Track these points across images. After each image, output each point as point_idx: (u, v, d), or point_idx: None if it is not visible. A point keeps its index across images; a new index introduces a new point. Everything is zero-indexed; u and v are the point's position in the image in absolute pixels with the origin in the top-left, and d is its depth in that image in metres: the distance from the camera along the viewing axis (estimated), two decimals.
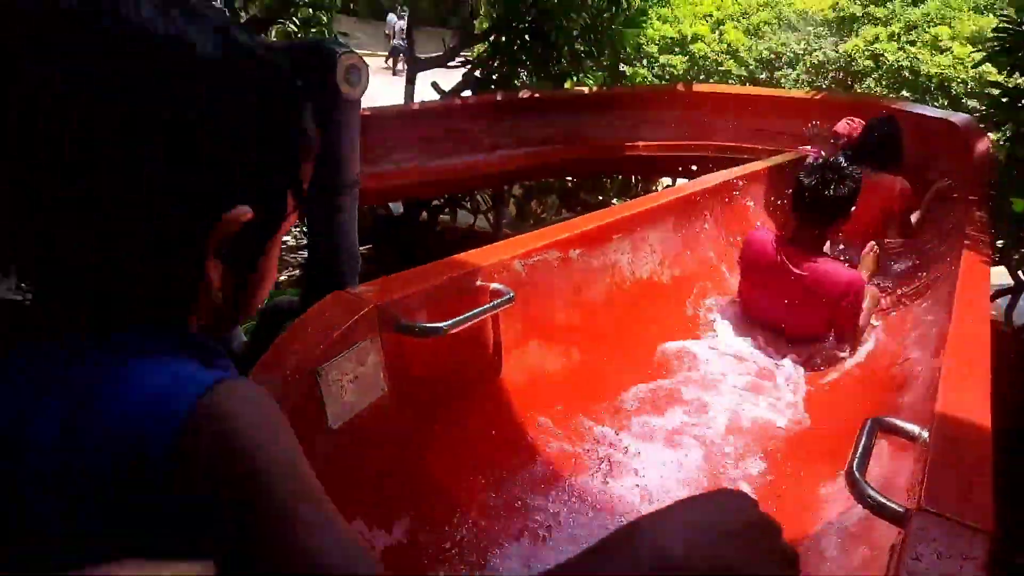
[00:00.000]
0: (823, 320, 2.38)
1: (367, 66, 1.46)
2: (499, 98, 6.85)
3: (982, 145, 3.92)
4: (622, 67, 11.94)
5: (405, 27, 15.32)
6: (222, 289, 0.56)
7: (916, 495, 0.96)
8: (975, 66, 9.33)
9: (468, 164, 6.30)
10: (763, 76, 11.98)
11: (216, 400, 0.47)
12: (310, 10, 7.72)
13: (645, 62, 12.54)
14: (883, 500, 0.96)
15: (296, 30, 8.05)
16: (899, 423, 1.17)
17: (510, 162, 6.31)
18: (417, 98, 8.05)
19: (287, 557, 0.45)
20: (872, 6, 11.37)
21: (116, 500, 0.45)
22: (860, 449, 1.09)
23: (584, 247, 1.98)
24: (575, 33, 7.73)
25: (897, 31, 11.04)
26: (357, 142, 1.48)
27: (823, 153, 4.47)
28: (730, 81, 11.74)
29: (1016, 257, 3.79)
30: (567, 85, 7.79)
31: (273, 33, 8.35)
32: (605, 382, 1.89)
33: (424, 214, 6.96)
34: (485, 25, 8.11)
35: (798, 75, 11.61)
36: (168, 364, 0.50)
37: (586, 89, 7.25)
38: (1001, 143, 4.27)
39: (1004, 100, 3.82)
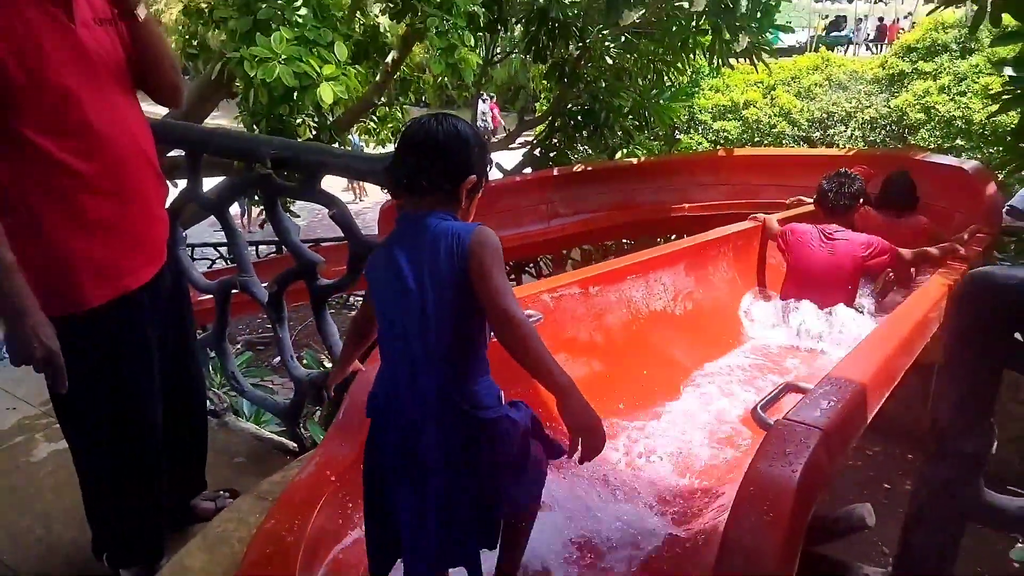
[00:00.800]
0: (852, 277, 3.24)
1: (374, 133, 2.15)
2: (556, 172, 7.59)
3: (990, 187, 4.31)
4: (677, 135, 12.63)
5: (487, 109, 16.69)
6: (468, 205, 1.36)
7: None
8: (989, 117, 9.52)
9: (530, 233, 7.00)
10: (816, 135, 12.38)
11: (481, 228, 1.27)
12: (386, 108, 8.75)
13: (700, 129, 13.23)
14: (765, 419, 1.47)
15: (376, 126, 9.12)
16: (803, 384, 1.67)
17: (568, 229, 6.95)
18: None
19: (501, 295, 1.22)
20: (920, 62, 11.71)
21: (459, 271, 1.23)
22: (768, 397, 1.61)
23: (603, 284, 2.56)
24: (625, 110, 8.45)
25: (947, 83, 11.32)
26: None
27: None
28: (784, 142, 12.17)
29: None
30: (618, 156, 8.48)
31: (356, 129, 9.43)
32: (620, 389, 2.41)
33: None
34: (544, 108, 8.94)
35: (851, 132, 11.97)
36: (459, 222, 1.31)
37: (635, 160, 7.91)
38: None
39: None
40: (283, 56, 4.48)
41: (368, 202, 15.36)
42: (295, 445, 2.58)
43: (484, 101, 15.72)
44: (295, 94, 4.79)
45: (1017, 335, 1.26)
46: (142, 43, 1.66)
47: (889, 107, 11.59)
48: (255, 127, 5.80)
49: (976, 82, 10.75)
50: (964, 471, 1.35)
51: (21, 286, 1.46)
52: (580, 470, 1.93)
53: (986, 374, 1.29)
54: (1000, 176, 5.14)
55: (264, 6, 4.89)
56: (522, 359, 1.23)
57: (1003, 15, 4.11)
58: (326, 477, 1.67)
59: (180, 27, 7.04)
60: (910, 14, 21.30)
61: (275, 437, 2.72)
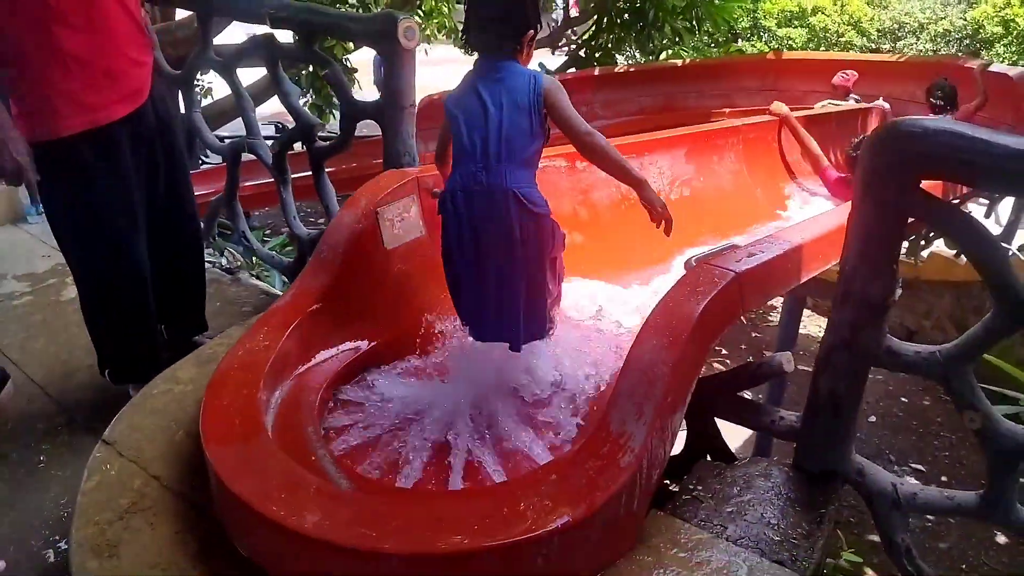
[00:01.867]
0: None
1: (418, 27, 2.19)
2: (596, 73, 7.44)
3: None
4: (739, 41, 12.06)
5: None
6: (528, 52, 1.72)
7: None
8: None
9: None
10: (886, 46, 11.67)
11: (548, 75, 1.76)
12: (433, 1, 8.60)
13: (763, 37, 12.61)
14: (691, 263, 1.56)
15: (421, 21, 8.99)
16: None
17: (607, 132, 6.80)
18: None
19: (576, 121, 1.68)
20: None
21: (533, 104, 1.63)
22: (708, 252, 1.70)
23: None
24: (677, 10, 8.10)
25: None
26: (412, 78, 2.21)
27: (887, 106, 4.87)
28: (850, 52, 11.53)
29: None
30: (663, 57, 8.21)
31: None
32: (603, 260, 2.51)
33: None
34: (590, 6, 8.65)
35: (922, 44, 11.25)
36: (529, 69, 1.70)
37: (679, 62, 7.66)
38: None
39: None
40: None
41: None
42: None
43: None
44: None
45: (961, 199, 1.30)
46: None
47: (965, 19, 10.79)
48: None
49: None
50: (867, 315, 1.43)
51: None
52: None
53: (890, 220, 1.34)
54: None
55: None
56: (602, 165, 1.76)
57: None
58: (299, 305, 1.83)
59: None
60: None
61: (280, 293, 2.92)
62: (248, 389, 1.54)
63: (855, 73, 5.58)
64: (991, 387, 1.92)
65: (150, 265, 2.11)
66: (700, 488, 1.52)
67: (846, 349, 1.46)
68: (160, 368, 2.10)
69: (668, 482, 1.66)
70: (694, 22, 8.24)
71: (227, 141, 2.86)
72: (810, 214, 3.50)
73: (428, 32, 9.02)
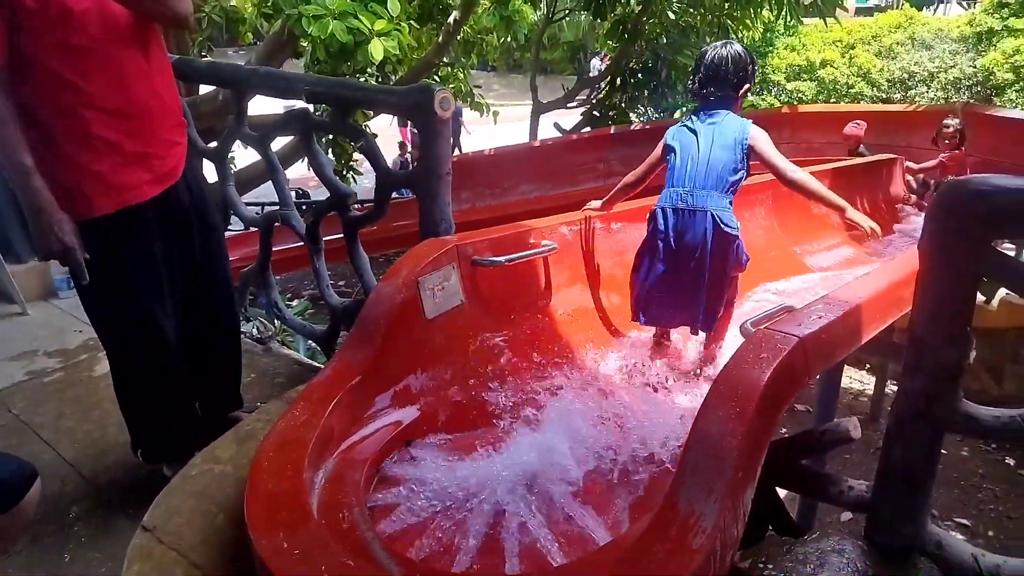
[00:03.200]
0: None
1: (454, 98, 2.21)
2: (613, 131, 7.53)
3: None
4: (748, 96, 12.25)
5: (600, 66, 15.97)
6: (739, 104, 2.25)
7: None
8: None
9: (585, 192, 7.00)
10: (897, 96, 11.78)
11: (754, 124, 2.19)
12: (448, 68, 8.81)
13: (773, 91, 12.77)
14: (750, 330, 1.50)
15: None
16: (797, 305, 1.68)
17: None
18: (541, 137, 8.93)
19: (780, 162, 2.21)
20: (1012, 18, 10.93)
21: (739, 145, 2.18)
22: (760, 315, 1.64)
23: (625, 220, 2.60)
24: (689, 69, 8.25)
25: None
26: (448, 145, 2.22)
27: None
28: (860, 102, 11.64)
29: None
30: (676, 115, 8.33)
31: None
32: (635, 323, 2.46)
33: None
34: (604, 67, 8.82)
35: (934, 93, 11.34)
36: (739, 116, 2.22)
37: None
38: None
39: None
40: (336, 11, 4.60)
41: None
42: None
43: (598, 57, 15.21)
44: (351, 51, 4.91)
45: (995, 243, 1.26)
46: None
47: (975, 67, 10.89)
48: None
49: None
50: (941, 382, 1.36)
51: (40, 187, 1.67)
52: (588, 388, 2.02)
53: (961, 282, 1.29)
54: None
55: None
56: (805, 195, 2.20)
57: None
58: (340, 380, 1.79)
59: None
60: None
61: (313, 362, 2.89)
62: (293, 471, 1.49)
63: (864, 123, 5.63)
64: None
65: (184, 342, 2.09)
66: (772, 568, 1.43)
67: (920, 418, 1.39)
68: (194, 446, 2.06)
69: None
70: None
71: (262, 212, 2.87)
72: (840, 267, 3.46)
73: None
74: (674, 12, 7.67)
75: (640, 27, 7.83)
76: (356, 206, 2.53)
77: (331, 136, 7.10)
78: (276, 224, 2.77)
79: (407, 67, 7.74)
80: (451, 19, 7.72)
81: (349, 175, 7.71)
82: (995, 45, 10.69)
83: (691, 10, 7.92)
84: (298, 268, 6.64)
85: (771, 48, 12.74)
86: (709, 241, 2.11)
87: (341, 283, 7.87)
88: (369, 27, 4.74)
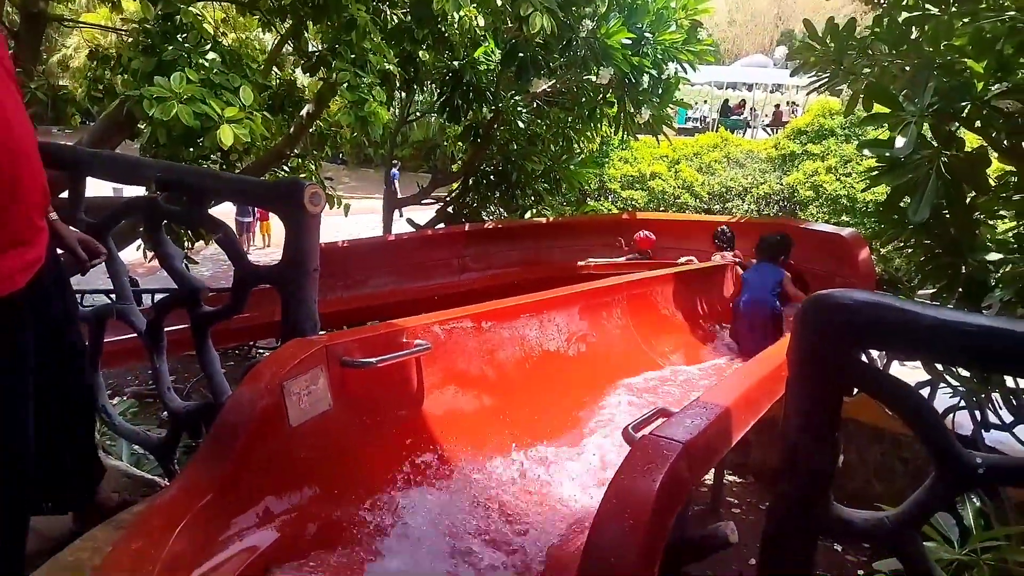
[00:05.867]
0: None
1: (324, 193, 2.14)
2: (467, 228, 7.69)
3: (863, 252, 4.68)
4: (588, 200, 13.11)
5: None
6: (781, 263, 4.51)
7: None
8: (863, 191, 10.56)
9: (439, 286, 7.03)
10: (716, 207, 13.09)
11: (786, 273, 4.30)
12: (299, 160, 8.69)
13: (610, 197, 13.77)
14: (634, 436, 1.51)
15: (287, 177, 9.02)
16: (673, 409, 1.73)
17: (478, 283, 7.02)
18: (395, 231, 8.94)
19: (796, 293, 4.39)
20: (810, 144, 12.68)
21: (775, 286, 4.47)
22: (639, 419, 1.66)
23: (495, 320, 2.59)
24: (537, 173, 8.74)
25: (834, 164, 12.28)
26: (317, 242, 2.13)
27: (739, 257, 5.40)
28: (686, 212, 12.81)
29: None
30: (528, 216, 8.70)
31: (267, 178, 9.31)
32: (510, 422, 2.42)
33: None
34: (457, 168, 9.11)
35: (748, 206, 12.73)
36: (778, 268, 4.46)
37: (544, 219, 8.12)
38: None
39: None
40: (184, 96, 4.41)
41: (255, 254, 14.07)
42: (167, 483, 2.43)
43: (396, 166, 15.81)
44: (196, 136, 4.71)
45: (857, 354, 1.36)
46: None
47: (782, 184, 12.43)
48: None
49: (859, 164, 11.71)
50: (813, 487, 1.42)
51: None
52: (462, 495, 1.93)
53: (828, 392, 1.37)
54: (876, 245, 5.60)
55: (170, 48, 4.84)
56: None
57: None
58: (190, 499, 1.58)
59: (87, 72, 6.85)
60: (788, 103, 23.25)
61: (146, 475, 2.56)
62: None
63: (652, 234, 6.58)
64: None
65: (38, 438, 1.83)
66: None
67: (795, 521, 1.44)
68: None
69: None
70: (553, 184, 8.89)
71: (91, 307, 2.57)
72: (688, 363, 3.66)
73: None
74: (523, 122, 8.12)
75: (491, 133, 8.20)
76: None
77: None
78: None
79: (255, 156, 7.54)
80: (304, 112, 7.69)
81: (184, 264, 7.24)
82: (797, 167, 12.29)
83: (538, 121, 8.42)
84: (126, 365, 6.02)
85: (607, 159, 13.82)
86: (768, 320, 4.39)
87: (172, 377, 7.19)
88: (219, 113, 4.57)
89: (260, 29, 8.93)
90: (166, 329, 2.46)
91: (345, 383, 1.98)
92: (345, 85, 5.81)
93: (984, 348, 1.19)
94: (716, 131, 16.93)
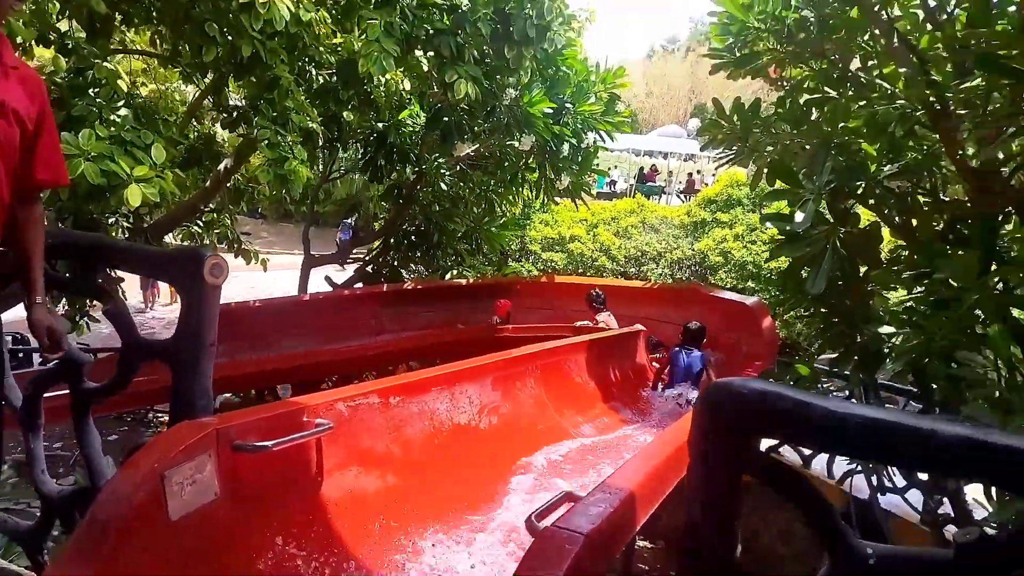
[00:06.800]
0: None
1: (227, 264, 2.05)
2: (384, 288, 7.60)
3: (767, 320, 4.87)
4: (510, 262, 13.26)
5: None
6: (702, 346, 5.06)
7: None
8: (766, 261, 11.18)
9: (354, 348, 6.85)
10: (632, 270, 13.46)
11: (708, 356, 4.58)
12: (214, 214, 8.44)
13: (530, 259, 13.97)
14: (537, 526, 1.47)
15: (200, 231, 8.73)
16: (579, 493, 1.71)
17: (393, 345, 6.89)
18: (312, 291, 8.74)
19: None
20: (719, 213, 13.28)
21: (701, 366, 5.27)
22: (544, 506, 1.62)
23: (405, 394, 2.52)
24: (458, 234, 8.78)
25: (741, 232, 12.87)
26: (215, 315, 2.03)
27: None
28: (604, 274, 13.13)
29: None
30: (449, 277, 8.68)
31: (179, 232, 8.98)
32: (413, 506, 2.34)
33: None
34: (378, 226, 9.05)
35: (662, 269, 13.15)
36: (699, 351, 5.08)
37: (464, 280, 8.13)
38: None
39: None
40: (91, 153, 4.23)
41: (160, 311, 13.17)
42: None
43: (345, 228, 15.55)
44: (103, 193, 4.50)
45: (754, 441, 1.38)
46: None
47: (693, 249, 12.92)
48: (60, 225, 5.34)
49: (764, 233, 12.31)
50: (715, 568, 1.42)
51: None
52: None
53: (726, 479, 1.38)
54: (779, 311, 5.85)
55: (80, 103, 4.65)
56: None
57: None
58: None
59: None
60: (699, 172, 24.41)
61: (12, 567, 2.32)
62: None
63: (508, 302, 6.92)
64: None
65: None
66: None
67: None
68: None
69: None
70: (474, 245, 8.94)
71: None
72: (600, 432, 3.66)
73: (208, 241, 8.72)
74: (446, 184, 8.18)
75: (414, 193, 8.22)
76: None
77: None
78: None
79: (166, 209, 7.28)
80: (222, 166, 7.51)
81: (83, 321, 6.81)
82: (707, 233, 12.82)
83: (461, 183, 8.51)
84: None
85: (528, 221, 14.06)
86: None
87: (58, 444, 6.67)
88: (127, 171, 4.39)
89: (180, 81, 8.74)
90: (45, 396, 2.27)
91: (237, 469, 1.87)
92: (265, 142, 5.71)
93: (870, 441, 1.22)
94: (633, 197, 17.55)
